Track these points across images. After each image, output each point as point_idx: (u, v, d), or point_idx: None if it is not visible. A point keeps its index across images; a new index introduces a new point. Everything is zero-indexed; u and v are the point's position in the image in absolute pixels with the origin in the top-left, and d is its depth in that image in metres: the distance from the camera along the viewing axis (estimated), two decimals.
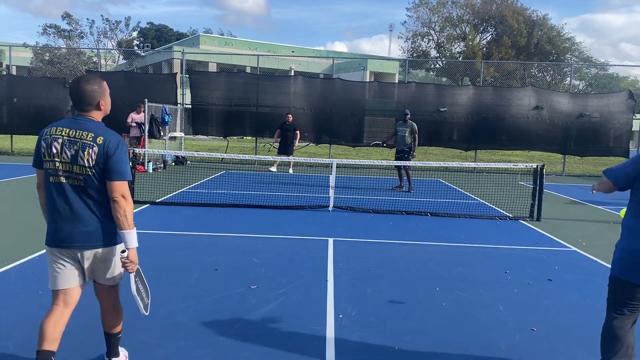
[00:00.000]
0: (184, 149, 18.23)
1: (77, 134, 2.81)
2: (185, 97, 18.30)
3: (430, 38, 47.77)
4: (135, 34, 50.76)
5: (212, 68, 39.56)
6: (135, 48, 52.49)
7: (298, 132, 15.27)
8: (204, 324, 3.94)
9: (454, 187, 13.42)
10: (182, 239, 6.63)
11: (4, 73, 30.45)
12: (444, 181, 14.63)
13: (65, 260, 2.88)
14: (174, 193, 10.35)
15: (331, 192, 9.29)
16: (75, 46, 41.21)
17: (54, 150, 2.80)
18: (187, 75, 18.14)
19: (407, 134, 11.83)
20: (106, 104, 2.94)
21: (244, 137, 23.42)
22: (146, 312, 3.11)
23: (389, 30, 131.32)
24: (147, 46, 53.23)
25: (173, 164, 16.12)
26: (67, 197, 2.81)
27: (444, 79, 43.10)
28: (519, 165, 9.69)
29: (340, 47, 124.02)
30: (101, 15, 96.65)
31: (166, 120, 15.47)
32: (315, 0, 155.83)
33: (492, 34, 46.45)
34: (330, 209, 9.05)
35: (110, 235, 2.89)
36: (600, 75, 45.03)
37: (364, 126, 17.66)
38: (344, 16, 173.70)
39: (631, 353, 3.07)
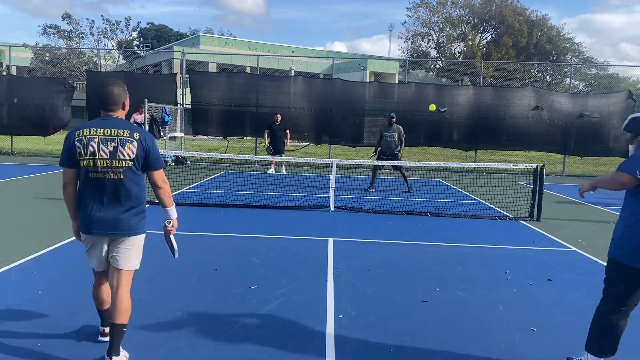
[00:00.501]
0: (184, 149, 18.23)
1: (112, 132, 3.15)
2: (185, 97, 18.30)
3: (430, 38, 47.79)
4: (135, 34, 50.80)
5: (212, 68, 39.55)
6: (135, 48, 52.49)
7: (288, 131, 15.21)
8: (204, 324, 3.94)
9: (454, 187, 13.42)
10: (182, 239, 6.62)
11: (4, 73, 30.43)
12: (444, 181, 14.63)
13: (100, 246, 3.25)
14: (174, 193, 10.35)
15: (331, 192, 9.30)
16: (75, 46, 41.21)
17: (91, 149, 3.12)
18: (187, 76, 18.14)
19: (395, 138, 11.59)
20: (128, 104, 3.34)
21: (244, 137, 23.39)
22: (176, 255, 3.57)
23: (389, 31, 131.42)
24: (147, 46, 53.22)
25: (173, 164, 16.11)
26: (104, 190, 3.15)
27: (444, 80, 43.10)
28: (519, 166, 9.69)
29: (340, 47, 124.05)
30: (101, 16, 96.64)
31: (166, 120, 15.47)
32: (315, 0, 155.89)
33: (492, 34, 46.45)
34: (330, 209, 9.05)
35: (138, 225, 3.25)
36: (601, 76, 44.99)
37: (363, 126, 17.64)
38: (343, 16, 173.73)
39: None
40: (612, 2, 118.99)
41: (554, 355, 3.63)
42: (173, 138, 17.08)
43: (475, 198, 11.40)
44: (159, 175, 3.27)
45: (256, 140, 18.60)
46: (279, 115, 15.12)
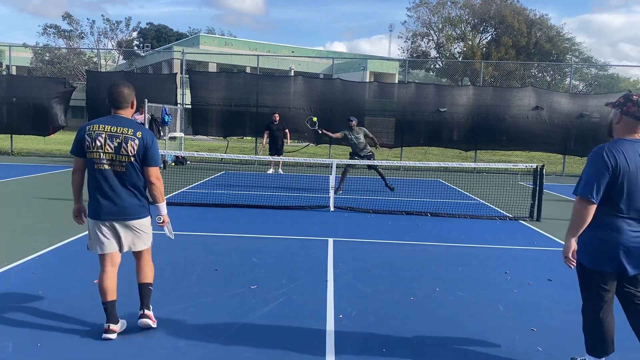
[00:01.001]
0: (184, 149, 18.23)
1: (118, 129, 3.53)
2: (185, 97, 18.30)
3: (430, 38, 47.78)
4: (135, 34, 50.79)
5: (212, 68, 39.55)
6: (135, 48, 52.48)
7: (287, 130, 15.20)
8: (204, 324, 3.94)
9: (454, 187, 13.42)
10: (182, 239, 6.62)
11: (4, 73, 30.43)
12: (444, 181, 14.63)
13: (107, 231, 3.60)
14: (174, 193, 10.35)
15: (331, 193, 9.30)
16: (75, 46, 41.21)
17: (98, 143, 3.50)
18: (187, 76, 18.14)
19: (362, 140, 11.20)
20: (135, 103, 3.72)
21: (244, 137, 23.41)
22: (172, 237, 3.96)
23: (389, 31, 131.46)
24: (147, 46, 53.22)
25: (173, 164, 16.11)
26: (109, 181, 3.54)
27: (444, 80, 43.08)
28: (519, 166, 9.69)
29: (339, 47, 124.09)
30: (102, 16, 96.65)
31: (166, 120, 15.47)
32: (315, 1, 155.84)
33: (491, 34, 46.43)
34: (330, 209, 9.05)
35: (141, 210, 3.65)
36: (601, 76, 44.99)
37: (363, 126, 17.58)
38: (343, 16, 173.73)
39: None
40: (611, 2, 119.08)
41: (554, 355, 3.63)
42: (173, 138, 17.07)
43: (475, 198, 11.40)
44: (153, 172, 3.61)
45: (256, 140, 18.59)
46: (277, 115, 15.10)
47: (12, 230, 6.80)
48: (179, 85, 18.24)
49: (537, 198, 8.90)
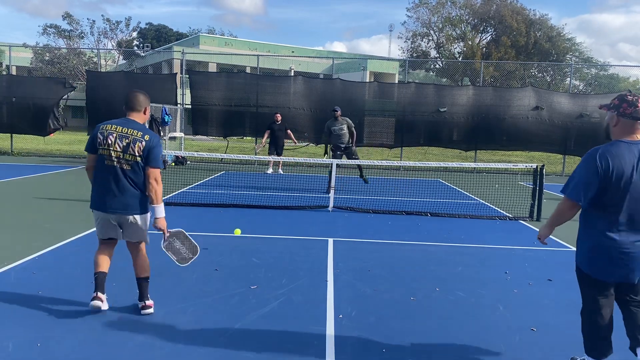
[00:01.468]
0: (184, 149, 18.23)
1: (128, 131, 3.89)
2: (185, 97, 18.29)
3: (430, 38, 47.77)
4: (135, 34, 50.77)
5: (212, 68, 39.54)
6: (135, 48, 52.46)
7: (289, 131, 15.19)
8: (204, 324, 3.94)
9: (454, 187, 13.42)
10: None
11: (4, 73, 30.42)
12: (444, 181, 14.63)
13: (109, 220, 3.95)
14: (174, 193, 10.35)
15: (331, 193, 9.30)
16: (76, 46, 41.21)
17: (109, 142, 3.86)
18: (187, 76, 18.13)
19: (344, 131, 11.14)
20: (149, 112, 4.12)
21: (244, 138, 23.40)
22: (180, 264, 4.21)
23: (389, 31, 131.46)
24: (147, 46, 53.20)
25: (173, 164, 16.11)
26: (116, 176, 3.87)
27: (444, 80, 43.07)
28: (519, 166, 9.69)
29: (339, 47, 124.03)
30: (102, 15, 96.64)
31: (166, 120, 15.46)
32: (315, 1, 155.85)
33: (491, 34, 46.43)
34: (330, 209, 9.05)
35: (142, 206, 3.95)
36: (601, 76, 45.00)
37: (363, 126, 17.60)
38: (343, 16, 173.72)
39: None
40: (610, 2, 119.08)
41: (554, 355, 3.63)
42: (173, 138, 17.07)
43: (475, 198, 11.40)
44: (154, 173, 3.91)
45: (256, 140, 18.58)
46: (279, 115, 15.08)
47: (12, 230, 6.79)
48: (179, 85, 18.23)
49: (537, 198, 8.90)
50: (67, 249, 5.96)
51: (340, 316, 4.18)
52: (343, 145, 11.20)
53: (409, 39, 47.79)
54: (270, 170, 15.23)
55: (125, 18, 57.27)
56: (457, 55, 47.32)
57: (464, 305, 4.56)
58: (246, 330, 3.84)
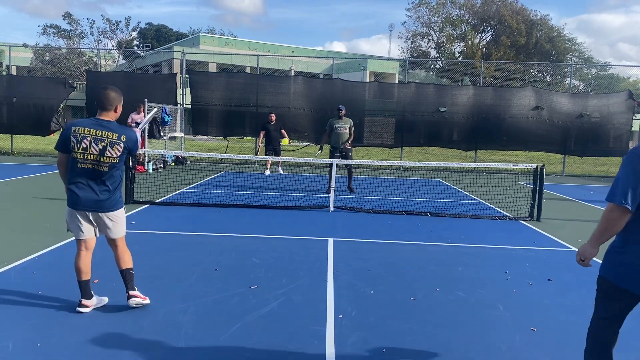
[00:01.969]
0: (184, 149, 18.23)
1: (103, 134, 3.87)
2: (185, 97, 18.30)
3: (430, 38, 47.77)
4: (135, 34, 50.74)
5: (212, 68, 39.54)
6: (135, 48, 52.45)
7: (283, 130, 15.10)
8: (204, 324, 3.94)
9: (454, 187, 13.42)
10: (182, 239, 6.63)
11: (4, 73, 30.43)
12: (444, 181, 14.63)
13: (84, 219, 3.99)
14: (174, 193, 10.35)
15: (331, 192, 9.30)
16: (76, 46, 41.20)
17: (84, 145, 3.84)
18: (187, 76, 18.13)
19: (346, 131, 11.16)
20: (120, 109, 4.04)
21: (244, 138, 23.41)
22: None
23: (389, 31, 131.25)
24: (147, 46, 53.16)
25: (173, 164, 16.11)
26: (89, 177, 3.89)
27: (444, 80, 43.07)
28: (519, 165, 9.69)
29: (339, 47, 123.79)
30: (101, 16, 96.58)
31: (166, 120, 15.46)
32: (315, 1, 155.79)
33: (491, 34, 46.43)
34: (330, 209, 9.05)
35: (115, 203, 4.03)
36: (601, 76, 45.00)
37: (364, 126, 17.61)
38: (343, 16, 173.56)
39: None
40: (610, 2, 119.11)
41: (554, 356, 3.63)
42: (173, 138, 17.07)
43: (475, 198, 11.40)
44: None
45: (256, 140, 18.56)
46: (273, 115, 14.95)
47: (12, 230, 6.80)
48: (179, 85, 18.24)
49: (537, 198, 8.90)
50: (67, 249, 5.95)
51: (340, 316, 4.18)
52: (340, 148, 11.17)
53: (408, 39, 47.85)
54: (267, 172, 15.16)
55: (125, 18, 57.20)
56: (457, 55, 47.33)
57: (464, 305, 4.56)
58: (246, 330, 3.84)
